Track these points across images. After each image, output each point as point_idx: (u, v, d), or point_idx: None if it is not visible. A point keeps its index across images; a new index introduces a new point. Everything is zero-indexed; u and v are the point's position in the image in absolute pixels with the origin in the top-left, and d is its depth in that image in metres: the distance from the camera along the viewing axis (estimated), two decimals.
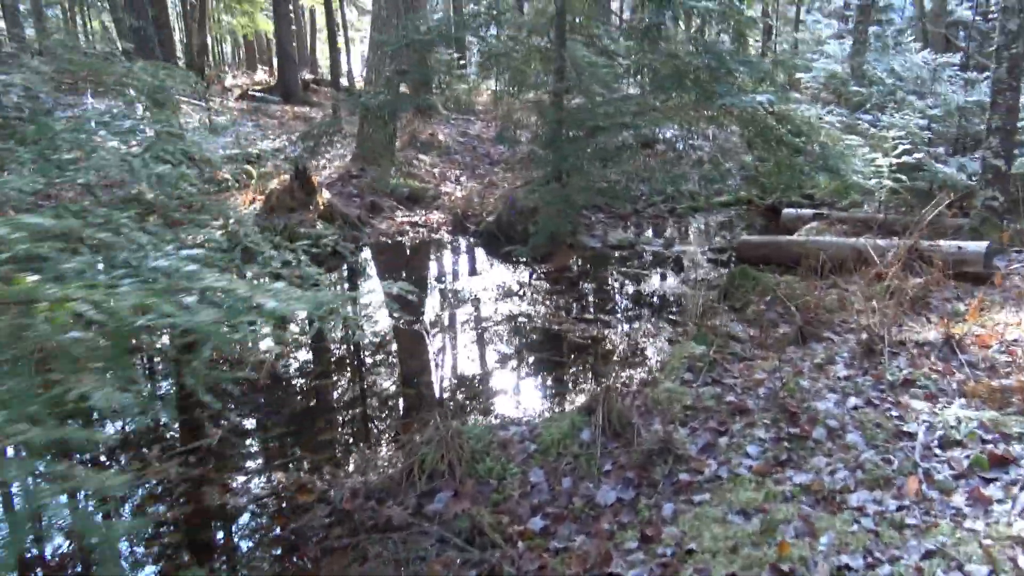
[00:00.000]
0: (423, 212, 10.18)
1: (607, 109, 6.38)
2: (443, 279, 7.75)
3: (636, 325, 6.42)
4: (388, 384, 5.45)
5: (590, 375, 5.52)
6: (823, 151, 6.44)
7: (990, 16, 20.22)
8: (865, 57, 15.36)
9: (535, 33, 7.94)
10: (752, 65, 5.61)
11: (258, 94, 20.21)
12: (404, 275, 8.18)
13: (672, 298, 7.08)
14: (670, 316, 6.62)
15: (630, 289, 7.35)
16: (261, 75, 25.65)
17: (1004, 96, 7.16)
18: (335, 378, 5.48)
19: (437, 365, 5.65)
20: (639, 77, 5.63)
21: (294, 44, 23.46)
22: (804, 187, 6.89)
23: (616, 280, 7.62)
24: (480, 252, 8.89)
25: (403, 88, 11.21)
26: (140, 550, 3.71)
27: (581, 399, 4.98)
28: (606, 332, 6.25)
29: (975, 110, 8.91)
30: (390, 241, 9.14)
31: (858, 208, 8.13)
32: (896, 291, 6.47)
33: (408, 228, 9.54)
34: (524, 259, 8.06)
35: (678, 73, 5.44)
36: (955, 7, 19.54)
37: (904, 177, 7.45)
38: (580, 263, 8.20)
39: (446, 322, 6.55)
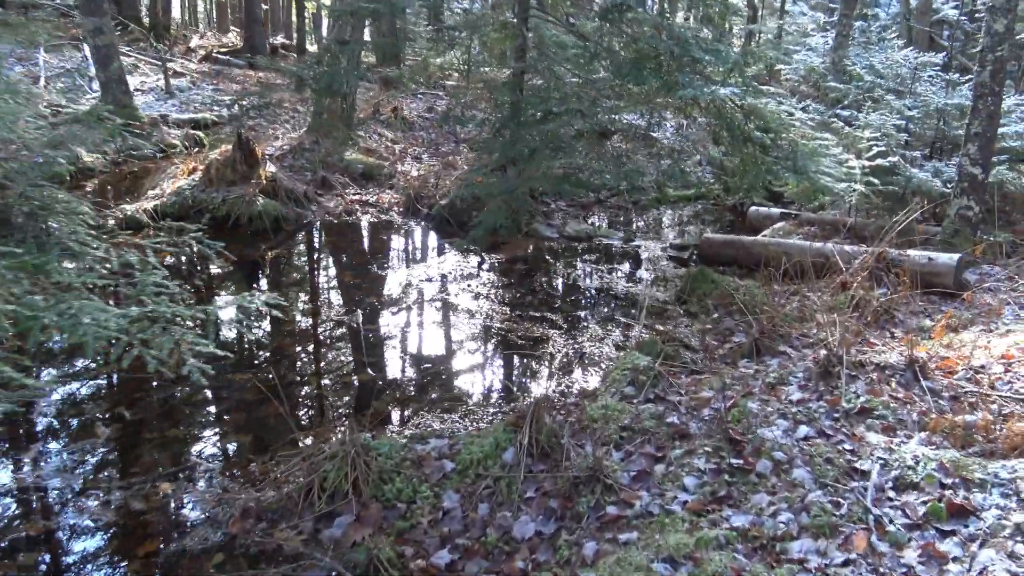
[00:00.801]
0: (376, 191, 9.67)
1: (562, 93, 5.92)
2: (383, 266, 7.26)
3: (583, 326, 5.99)
4: (303, 386, 4.97)
5: (525, 381, 5.09)
6: (792, 150, 6.02)
7: (976, 16, 19.94)
8: (847, 52, 14.98)
9: (502, 7, 7.45)
10: (719, 54, 5.15)
11: (222, 57, 19.43)
12: (342, 259, 7.67)
13: (626, 298, 6.66)
14: (621, 318, 6.20)
15: (583, 285, 6.92)
16: (232, 38, 24.75)
17: (985, 101, 6.78)
18: (241, 377, 4.99)
19: (360, 365, 5.19)
20: (599, 62, 5.14)
21: (265, 6, 22.64)
22: (771, 187, 6.48)
23: (569, 274, 7.18)
24: (429, 237, 8.41)
25: (360, 59, 10.65)
26: None
27: (511, 410, 4.56)
28: (550, 332, 5.82)
29: (955, 113, 8.54)
30: (335, 221, 8.62)
31: (828, 210, 7.75)
32: (860, 303, 6.11)
33: (358, 208, 9.02)
34: (474, 248, 7.60)
35: (639, 59, 4.97)
36: (941, 5, 19.22)
37: (876, 181, 7.07)
38: (533, 254, 7.76)
39: (376, 317, 6.08)
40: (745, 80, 5.54)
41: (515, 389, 4.89)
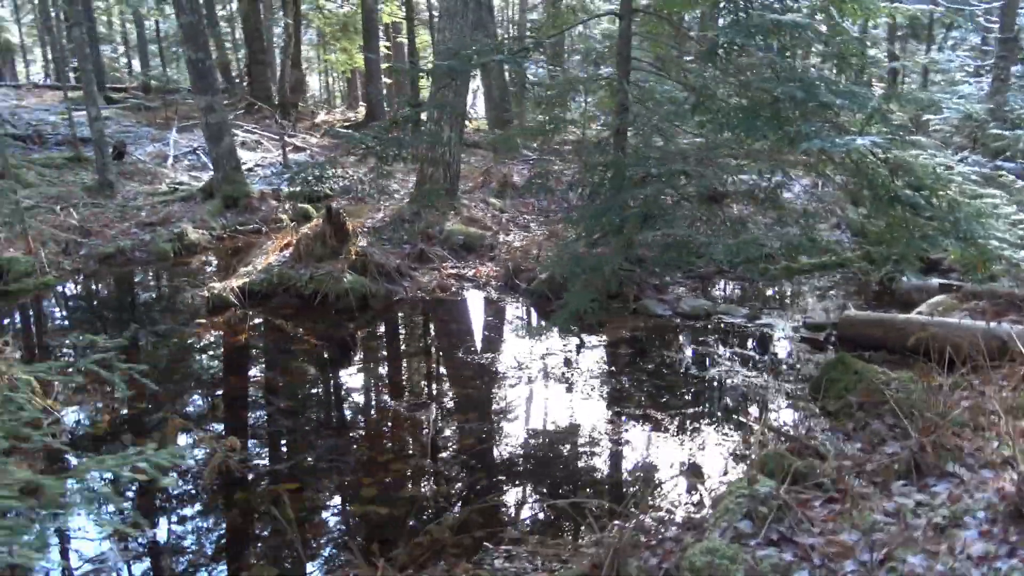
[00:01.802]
0: (475, 264, 9.02)
1: (663, 152, 5.06)
2: (469, 350, 6.51)
3: (694, 428, 4.98)
4: (340, 502, 4.22)
5: (615, 504, 4.13)
6: (953, 210, 4.87)
7: None
8: (1006, 97, 13.33)
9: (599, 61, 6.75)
10: (855, 97, 4.16)
11: (343, 131, 19.79)
12: (424, 342, 6.99)
13: (748, 392, 5.59)
14: (741, 419, 5.15)
15: (696, 375, 5.90)
16: (359, 113, 25.43)
17: None
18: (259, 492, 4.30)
19: (418, 475, 4.40)
20: (701, 114, 4.27)
21: (387, 79, 23.09)
22: (925, 254, 5.31)
23: (681, 361, 6.18)
24: (526, 315, 7.62)
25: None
26: None
27: (595, 544, 3.62)
28: (652, 436, 4.85)
29: None
30: (428, 297, 8.00)
31: (999, 281, 6.41)
32: None
33: (453, 282, 8.39)
34: (573, 328, 6.74)
35: (752, 107, 4.07)
36: None
37: None
38: (641, 335, 6.80)
39: (450, 414, 5.32)
40: (892, 128, 4.50)
41: (601, 514, 3.94)
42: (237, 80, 25.24)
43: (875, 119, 4.49)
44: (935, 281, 7.07)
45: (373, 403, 5.48)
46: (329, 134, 19.36)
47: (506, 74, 17.55)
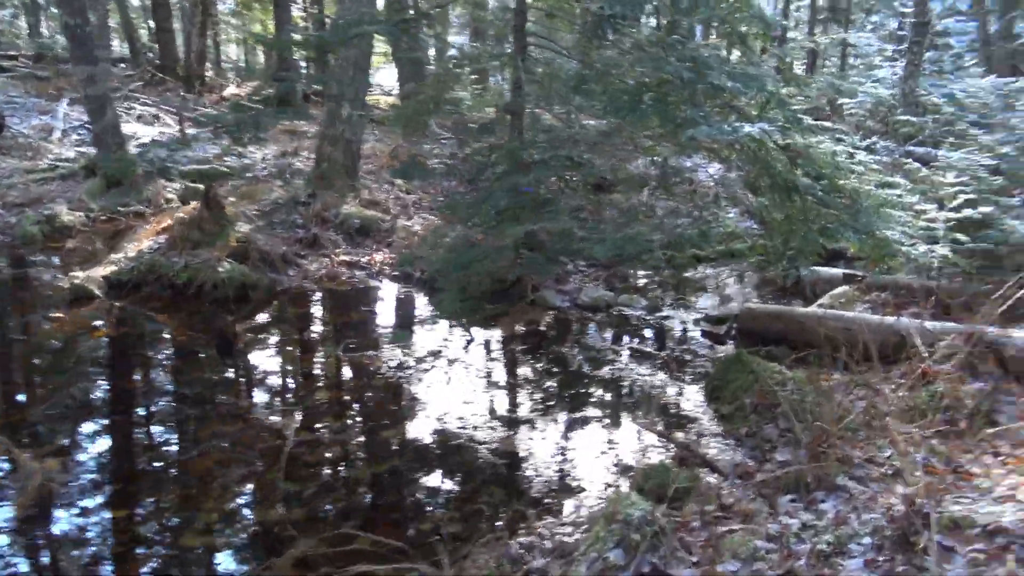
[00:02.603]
0: (370, 250, 8.49)
1: (549, 137, 4.65)
2: (349, 347, 6.01)
3: (579, 434, 4.62)
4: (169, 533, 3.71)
5: (482, 524, 3.72)
6: (853, 202, 4.60)
7: None
8: (918, 82, 13.37)
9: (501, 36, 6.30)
10: (750, 79, 3.81)
11: (252, 105, 18.82)
12: (302, 337, 6.45)
13: (641, 391, 5.27)
14: (630, 421, 4.81)
15: (588, 373, 5.54)
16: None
17: None
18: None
19: (268, 498, 3.92)
20: (590, 95, 3.84)
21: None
22: (822, 250, 5.04)
23: (574, 357, 5.81)
24: (417, 307, 7.14)
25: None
26: None
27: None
28: (535, 443, 4.47)
29: None
30: (315, 288, 7.45)
31: (903, 271, 6.21)
32: (949, 402, 4.61)
33: (344, 270, 7.85)
34: (464, 321, 6.32)
35: (637, 89, 3.67)
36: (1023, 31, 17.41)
37: (964, 237, 5.56)
38: (536, 330, 6.42)
39: (319, 419, 4.84)
40: (789, 114, 4.17)
41: (467, 539, 3.53)
42: (143, 50, 23.85)
43: (772, 104, 4.15)
44: (839, 271, 6.87)
45: (232, 410, 4.95)
46: (235, 108, 18.39)
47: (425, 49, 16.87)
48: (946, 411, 4.54)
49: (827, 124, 6.03)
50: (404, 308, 7.15)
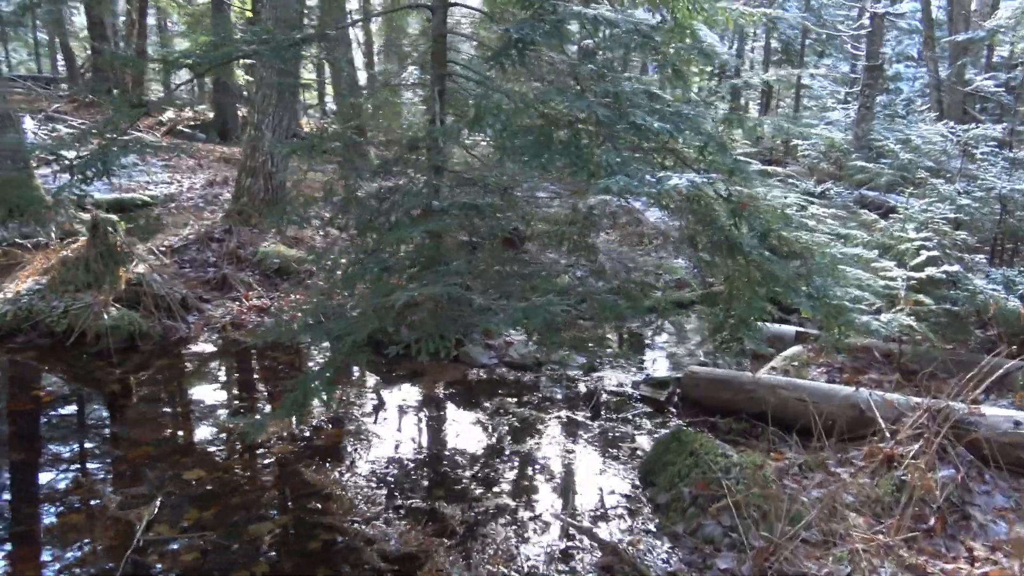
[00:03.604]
0: (286, 293, 7.73)
1: (457, 178, 3.99)
2: (235, 410, 5.24)
3: (488, 533, 3.89)
4: None
5: None
6: (806, 262, 4.00)
7: (1012, 86, 18.09)
8: (871, 125, 13.10)
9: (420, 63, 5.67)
10: (681, 120, 3.19)
11: (187, 131, 17.98)
12: (183, 399, 5.61)
13: (565, 473, 4.58)
14: (552, 510, 4.10)
15: (507, 445, 4.84)
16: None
17: None
18: None
19: None
20: (479, 132, 3.21)
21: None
22: (768, 318, 4.44)
23: (492, 430, 5.11)
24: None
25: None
26: None
27: None
28: (433, 546, 3.73)
29: (1021, 201, 6.50)
30: (216, 337, 6.65)
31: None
32: (914, 494, 4.01)
33: (254, 316, 7.07)
34: (377, 380, 5.59)
35: (544, 128, 3.04)
36: (973, 75, 17.41)
37: (927, 300, 5.02)
38: (453, 393, 5.72)
39: (168, 506, 4.05)
40: (729, 160, 3.57)
41: None
42: (82, 71, 22.92)
43: (710, 148, 3.54)
44: (792, 329, 6.30)
45: (78, 493, 4.13)
46: (170, 134, 17.54)
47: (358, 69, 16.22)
48: (908, 504, 3.93)
49: (778, 169, 5.44)
50: (309, 364, 6.39)
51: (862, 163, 8.30)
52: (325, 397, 3.67)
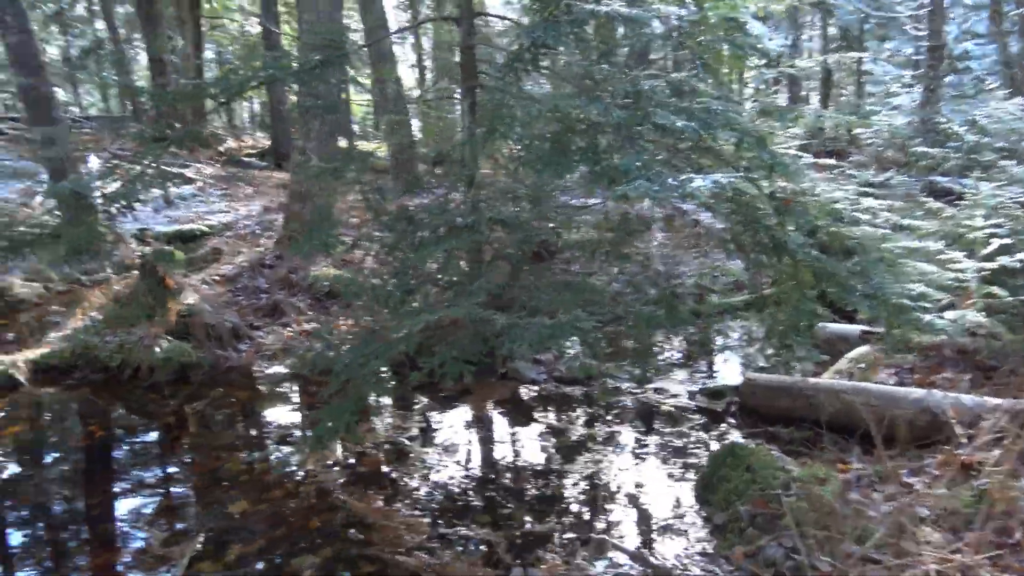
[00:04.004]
0: (336, 316, 7.73)
1: (481, 194, 3.85)
2: (284, 438, 5.21)
3: (535, 557, 3.73)
4: None
5: None
6: (861, 259, 3.73)
7: None
8: (938, 107, 12.49)
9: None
10: (711, 116, 2.99)
11: (245, 159, 18.37)
12: (222, 434, 5.58)
13: (617, 492, 4.38)
14: (601, 533, 3.91)
15: (557, 465, 4.67)
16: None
17: None
18: None
19: None
20: (494, 143, 3.06)
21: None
22: (813, 326, 4.17)
23: (543, 447, 4.95)
24: None
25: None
26: None
27: None
28: (475, 572, 3.59)
29: None
30: (267, 365, 6.66)
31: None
32: (996, 505, 3.68)
33: (305, 342, 7.06)
34: (427, 403, 5.50)
35: (561, 135, 2.88)
36: None
37: (1001, 292, 4.66)
38: (506, 408, 5.58)
39: (211, 540, 4.00)
40: (768, 155, 3.34)
41: None
42: (147, 109, 23.71)
43: (746, 145, 3.32)
44: (856, 328, 5.95)
45: (110, 532, 4.12)
46: (230, 163, 17.95)
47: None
48: (994, 516, 3.61)
49: (829, 161, 5.17)
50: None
51: (925, 148, 7.87)
52: (348, 433, 3.56)
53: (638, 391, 5.74)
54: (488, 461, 4.82)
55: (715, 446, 4.76)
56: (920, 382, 5.19)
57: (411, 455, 4.91)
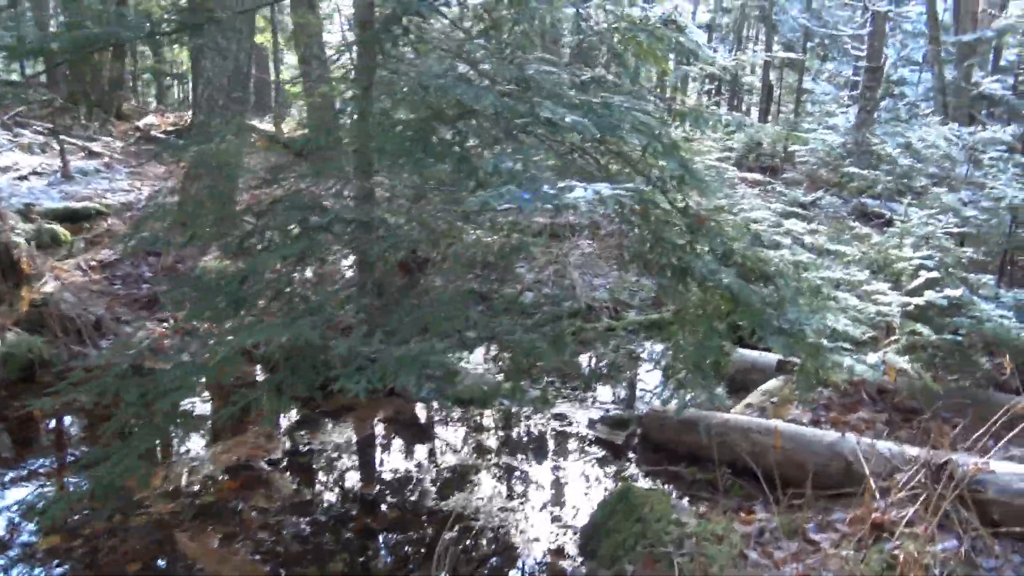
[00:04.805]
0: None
1: (329, 188, 3.28)
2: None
3: None
4: None
5: None
6: (778, 289, 3.28)
7: (1021, 91, 17.33)
8: (872, 129, 12.36)
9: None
10: (612, 113, 2.47)
11: (162, 136, 17.30)
12: (50, 446, 4.88)
13: (489, 545, 3.84)
14: None
15: (431, 504, 4.12)
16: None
17: None
18: None
19: None
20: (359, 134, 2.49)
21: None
22: (724, 364, 3.72)
23: (419, 480, 4.39)
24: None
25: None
26: None
27: None
28: None
29: None
30: (126, 365, 5.92)
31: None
32: (907, 571, 3.30)
33: (179, 340, 6.35)
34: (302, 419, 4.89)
35: (421, 124, 2.33)
36: (980, 79, 16.65)
37: (925, 330, 4.28)
38: (387, 430, 5.01)
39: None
40: (679, 166, 2.85)
41: None
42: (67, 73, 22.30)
43: (653, 149, 2.82)
44: (773, 357, 5.55)
45: None
46: (142, 139, 16.89)
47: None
48: None
49: (758, 176, 4.74)
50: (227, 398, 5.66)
51: (856, 169, 7.57)
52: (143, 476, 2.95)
53: (537, 416, 5.23)
54: (353, 494, 4.24)
55: (611, 485, 4.28)
56: (835, 421, 4.81)
57: (269, 482, 4.30)
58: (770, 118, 23.05)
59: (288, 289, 2.99)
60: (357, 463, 4.62)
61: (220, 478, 4.30)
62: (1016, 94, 15.87)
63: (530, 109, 2.35)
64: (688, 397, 3.56)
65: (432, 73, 2.42)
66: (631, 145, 3.27)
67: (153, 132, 17.64)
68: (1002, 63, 19.57)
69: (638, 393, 5.86)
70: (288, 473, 4.41)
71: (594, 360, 6.40)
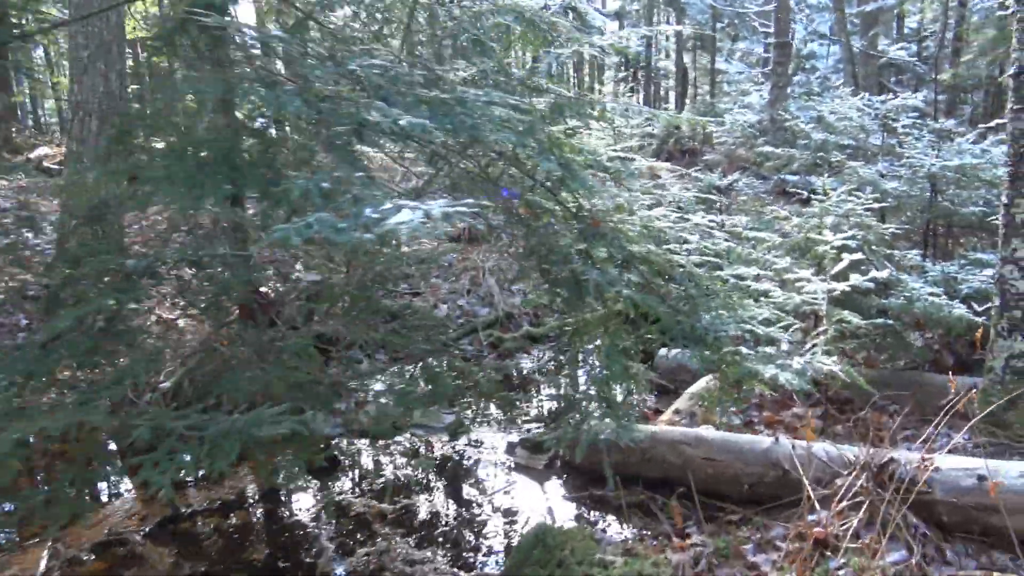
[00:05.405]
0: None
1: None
2: None
3: None
4: None
5: None
6: (688, 293, 2.90)
7: (925, 56, 17.59)
8: (786, 105, 12.26)
9: None
10: (466, 109, 2.04)
11: (56, 167, 16.30)
12: None
13: None
14: None
15: (321, 566, 3.64)
16: None
17: None
18: None
19: None
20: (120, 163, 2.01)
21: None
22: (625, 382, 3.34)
23: (313, 530, 3.91)
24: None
25: None
26: None
27: None
28: None
29: (955, 179, 5.53)
30: None
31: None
32: None
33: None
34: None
35: (227, 136, 1.87)
36: (887, 47, 16.81)
37: (854, 318, 3.97)
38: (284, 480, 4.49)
39: None
40: (558, 167, 2.44)
41: None
42: None
43: (523, 150, 2.40)
44: None
45: None
46: (40, 170, 15.90)
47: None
48: None
49: (665, 165, 4.40)
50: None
51: (770, 148, 7.32)
52: None
53: (453, 445, 4.79)
54: (239, 562, 3.73)
55: (529, 519, 3.86)
56: (769, 421, 4.49)
57: (144, 557, 3.75)
58: (687, 101, 23.04)
59: (96, 356, 2.48)
60: (248, 522, 4.10)
61: (86, 558, 3.74)
62: (921, 60, 16.07)
63: (357, 114, 1.90)
64: (593, 433, 3.14)
65: (238, 78, 1.95)
66: (503, 145, 2.84)
67: (45, 164, 16.62)
68: (905, 30, 19.88)
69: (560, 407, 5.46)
70: (168, 544, 3.87)
71: (515, 373, 5.99)
